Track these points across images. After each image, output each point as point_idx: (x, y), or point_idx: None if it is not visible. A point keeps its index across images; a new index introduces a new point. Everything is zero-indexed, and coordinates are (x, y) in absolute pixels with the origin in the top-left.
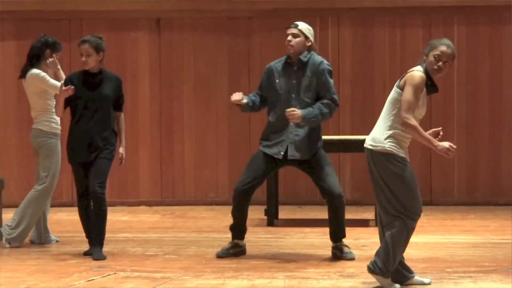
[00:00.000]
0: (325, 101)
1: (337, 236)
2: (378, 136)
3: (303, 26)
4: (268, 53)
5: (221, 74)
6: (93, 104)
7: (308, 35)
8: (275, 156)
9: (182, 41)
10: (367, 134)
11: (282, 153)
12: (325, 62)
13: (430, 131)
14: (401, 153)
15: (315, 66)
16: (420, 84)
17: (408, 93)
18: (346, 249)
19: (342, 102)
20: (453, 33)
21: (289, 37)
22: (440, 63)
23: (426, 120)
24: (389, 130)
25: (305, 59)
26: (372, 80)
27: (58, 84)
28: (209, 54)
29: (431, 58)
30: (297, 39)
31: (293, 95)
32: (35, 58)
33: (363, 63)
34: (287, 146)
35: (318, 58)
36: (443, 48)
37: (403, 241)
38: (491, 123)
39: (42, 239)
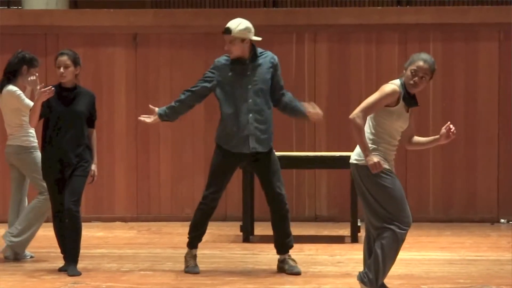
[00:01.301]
0: (289, 94)
1: (286, 246)
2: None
3: (235, 29)
4: None
5: None
6: (67, 120)
7: (243, 35)
8: (245, 152)
9: (158, 56)
10: (343, 150)
11: (251, 147)
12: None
13: (442, 129)
14: (386, 165)
15: (267, 59)
16: (387, 94)
17: (371, 97)
18: (292, 263)
19: None
20: (429, 49)
21: (226, 46)
22: (416, 78)
23: None
24: (372, 144)
25: (253, 55)
26: (348, 96)
27: (31, 104)
28: (185, 69)
29: (408, 72)
30: (235, 46)
31: (249, 87)
32: (11, 74)
33: (340, 79)
34: (249, 139)
35: (267, 52)
36: (420, 63)
37: (394, 252)
38: (466, 140)
39: (17, 255)
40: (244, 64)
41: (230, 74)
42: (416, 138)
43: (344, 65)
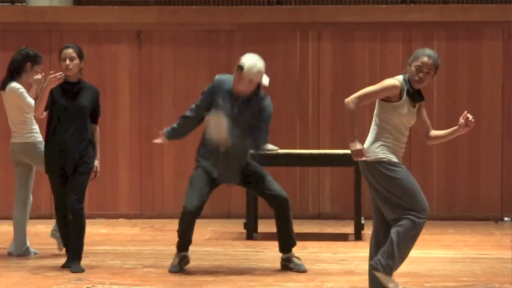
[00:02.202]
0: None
1: (289, 245)
2: (370, 146)
3: (262, 74)
4: None
5: (201, 87)
6: (70, 114)
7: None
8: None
9: (162, 53)
10: (347, 148)
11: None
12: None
13: (460, 119)
14: (394, 159)
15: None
16: (385, 87)
17: (370, 87)
18: (297, 261)
19: (322, 116)
20: (433, 47)
21: (243, 85)
22: (421, 74)
23: None
24: (378, 140)
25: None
26: (351, 94)
27: (33, 103)
28: (189, 66)
29: (412, 68)
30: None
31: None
32: (15, 71)
33: (343, 76)
34: None
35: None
36: (425, 59)
37: (410, 240)
38: (470, 138)
39: (20, 251)
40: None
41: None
42: (434, 132)
43: (348, 63)
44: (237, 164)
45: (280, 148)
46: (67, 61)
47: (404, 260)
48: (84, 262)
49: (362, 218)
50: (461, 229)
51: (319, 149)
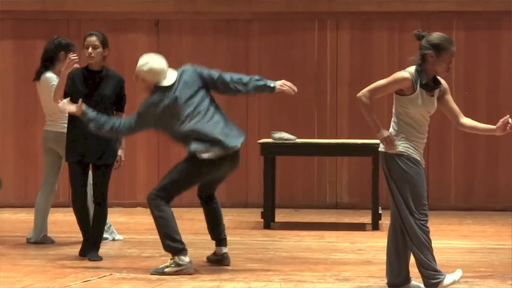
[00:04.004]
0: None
1: (225, 239)
2: None
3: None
4: (267, 56)
5: None
6: (90, 103)
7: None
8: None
9: (180, 43)
10: (365, 137)
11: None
12: None
13: (499, 122)
14: (415, 155)
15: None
16: (396, 80)
17: (381, 80)
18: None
19: (340, 106)
20: (451, 37)
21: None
22: (450, 64)
23: None
24: (400, 134)
25: None
26: (370, 83)
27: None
28: (207, 56)
29: (441, 60)
30: None
31: None
32: (49, 61)
33: (362, 66)
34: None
35: None
36: (453, 48)
37: (423, 241)
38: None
39: (38, 238)
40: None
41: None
42: (471, 122)
43: (366, 53)
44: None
45: (298, 138)
46: (90, 49)
47: (432, 250)
48: (102, 250)
49: (380, 208)
50: (479, 220)
51: (336, 138)
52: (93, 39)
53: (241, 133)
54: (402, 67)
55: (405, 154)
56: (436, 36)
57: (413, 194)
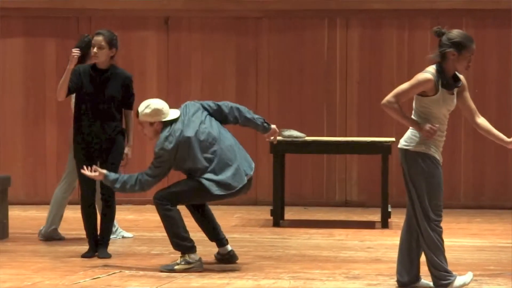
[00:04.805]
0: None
1: (224, 237)
2: (412, 136)
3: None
4: (276, 53)
5: (229, 74)
6: (96, 101)
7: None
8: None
9: (190, 40)
10: (374, 135)
11: None
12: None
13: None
14: (436, 155)
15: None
16: (419, 83)
17: (404, 84)
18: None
19: (349, 103)
20: None
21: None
22: (470, 63)
23: None
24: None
25: None
26: (380, 81)
27: None
28: (217, 53)
29: (462, 59)
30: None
31: None
32: (80, 59)
33: (371, 64)
34: None
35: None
36: (473, 46)
37: (437, 243)
38: (498, 126)
39: (47, 230)
40: None
41: None
42: (486, 124)
43: (376, 51)
44: None
45: (308, 136)
46: (95, 49)
47: (444, 251)
48: (111, 247)
49: (389, 206)
50: (488, 218)
51: (346, 136)
52: (100, 38)
53: (250, 161)
54: (412, 65)
55: (427, 153)
56: (457, 33)
57: (430, 194)
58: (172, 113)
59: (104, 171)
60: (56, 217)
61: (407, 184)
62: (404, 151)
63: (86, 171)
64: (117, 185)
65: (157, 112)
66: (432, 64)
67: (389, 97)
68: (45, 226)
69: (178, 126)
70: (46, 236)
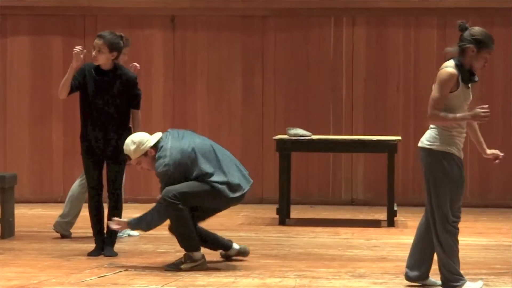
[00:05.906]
0: None
1: (227, 240)
2: (435, 135)
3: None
4: (282, 52)
5: (235, 72)
6: (100, 103)
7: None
8: None
9: (196, 38)
10: (380, 134)
11: None
12: None
13: (492, 152)
14: (460, 155)
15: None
16: (446, 81)
17: (434, 91)
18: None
19: (355, 102)
20: None
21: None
22: (487, 63)
23: None
24: (443, 130)
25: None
26: (386, 80)
27: None
28: (223, 51)
29: (480, 57)
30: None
31: None
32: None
33: (377, 63)
34: None
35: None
36: (493, 46)
37: (451, 243)
38: (505, 125)
39: (65, 220)
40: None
41: None
42: (474, 124)
43: (382, 49)
44: None
45: (313, 134)
46: (95, 52)
47: (458, 252)
48: (117, 246)
49: (395, 204)
50: (494, 217)
51: (352, 135)
52: (100, 42)
53: (247, 175)
54: (418, 64)
55: (451, 153)
56: (479, 31)
57: (451, 195)
58: (155, 135)
59: (126, 219)
60: (70, 211)
61: (428, 185)
62: (428, 151)
63: (113, 224)
64: (144, 226)
65: (141, 141)
66: (449, 59)
67: (430, 110)
68: (60, 216)
69: (170, 143)
70: (55, 226)
